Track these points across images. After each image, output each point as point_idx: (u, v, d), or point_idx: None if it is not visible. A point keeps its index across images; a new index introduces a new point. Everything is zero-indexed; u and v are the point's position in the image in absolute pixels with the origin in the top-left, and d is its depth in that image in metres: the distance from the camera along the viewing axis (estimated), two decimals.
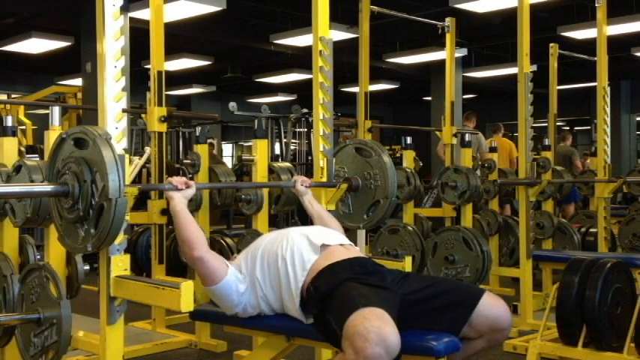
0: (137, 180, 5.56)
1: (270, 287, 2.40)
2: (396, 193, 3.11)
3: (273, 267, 2.41)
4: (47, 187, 2.22)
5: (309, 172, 9.99)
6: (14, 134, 2.90)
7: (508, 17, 7.58)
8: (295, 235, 2.49)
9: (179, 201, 2.46)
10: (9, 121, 2.89)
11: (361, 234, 4.50)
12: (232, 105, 9.76)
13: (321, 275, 2.33)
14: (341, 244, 2.51)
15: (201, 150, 4.08)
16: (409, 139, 4.90)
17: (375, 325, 1.98)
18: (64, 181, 2.15)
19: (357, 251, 2.55)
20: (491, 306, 2.29)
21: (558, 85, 6.29)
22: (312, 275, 2.34)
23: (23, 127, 9.32)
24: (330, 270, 2.34)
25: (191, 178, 4.26)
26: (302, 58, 10.52)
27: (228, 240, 4.00)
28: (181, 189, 2.48)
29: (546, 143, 5.86)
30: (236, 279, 2.41)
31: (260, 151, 3.78)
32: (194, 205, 4.00)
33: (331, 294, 2.24)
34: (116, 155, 2.07)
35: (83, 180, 2.11)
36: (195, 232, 2.41)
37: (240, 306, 2.42)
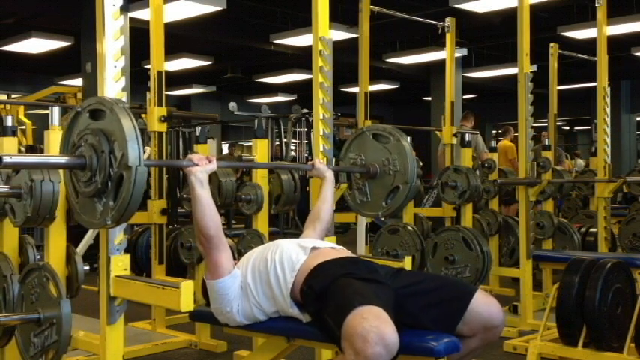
0: None
1: (263, 293, 2.39)
2: (416, 178, 3.01)
3: (263, 272, 2.40)
4: (63, 159, 2.15)
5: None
6: (14, 134, 2.89)
7: (508, 17, 7.57)
8: (285, 242, 2.51)
9: (199, 176, 2.33)
10: (9, 121, 2.89)
11: (361, 234, 4.50)
12: (232, 105, 9.76)
13: (313, 274, 2.33)
14: (331, 247, 2.53)
15: (202, 150, 4.07)
16: (409, 139, 4.90)
17: (373, 325, 1.98)
18: (81, 154, 2.09)
19: (348, 252, 2.56)
20: (483, 304, 2.29)
21: (558, 85, 6.29)
22: (304, 275, 2.33)
23: (23, 127, 9.31)
24: (322, 268, 2.34)
25: None
26: (302, 58, 10.53)
27: (228, 240, 4.00)
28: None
29: (546, 143, 5.86)
30: (236, 281, 2.40)
31: (260, 151, 3.78)
32: None
33: (326, 292, 2.23)
34: (134, 123, 2.01)
35: (101, 151, 2.04)
36: (212, 223, 2.32)
37: (232, 311, 2.40)
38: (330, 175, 2.91)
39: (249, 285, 2.40)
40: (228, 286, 2.38)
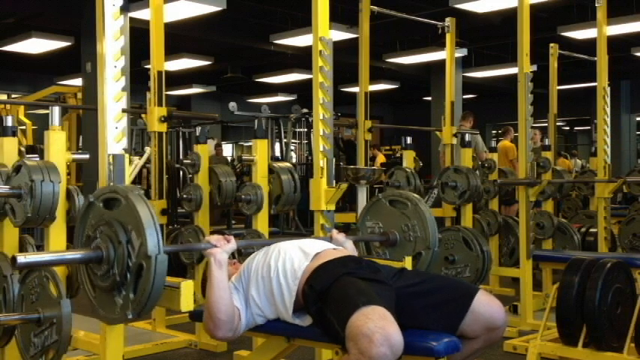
0: (137, 180, 5.52)
1: (266, 299, 2.40)
2: (438, 243, 2.92)
3: (266, 278, 2.40)
4: (78, 254, 2.08)
5: (309, 172, 9.99)
6: (14, 134, 2.89)
7: (508, 17, 7.58)
8: (288, 246, 2.49)
9: (218, 258, 2.32)
10: (9, 121, 2.88)
11: None
12: (232, 105, 9.79)
13: (315, 274, 2.33)
14: (334, 249, 2.52)
15: (202, 150, 4.08)
16: (409, 139, 4.91)
17: (378, 325, 1.99)
18: (97, 246, 2.02)
19: (348, 252, 2.56)
20: (485, 304, 2.29)
21: (558, 85, 6.29)
22: (306, 277, 2.34)
23: (23, 127, 9.32)
24: (324, 268, 2.34)
25: (191, 179, 4.27)
26: (302, 58, 10.53)
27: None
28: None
29: (546, 143, 5.86)
30: (243, 323, 2.40)
31: (260, 151, 3.78)
32: (194, 205, 4.01)
33: (328, 291, 2.24)
34: (152, 210, 1.95)
35: (118, 241, 1.97)
36: (224, 307, 2.30)
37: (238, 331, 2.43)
38: (349, 245, 2.81)
39: (253, 296, 2.40)
40: (237, 335, 2.41)
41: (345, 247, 2.78)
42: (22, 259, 1.95)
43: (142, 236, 1.91)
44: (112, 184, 2.17)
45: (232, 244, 2.38)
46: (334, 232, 2.89)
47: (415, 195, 3.01)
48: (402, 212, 2.97)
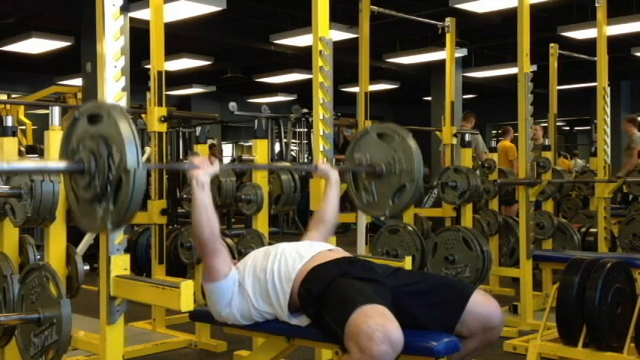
0: None
1: (262, 299, 2.39)
2: (422, 177, 2.95)
3: (262, 280, 2.39)
4: (61, 164, 2.14)
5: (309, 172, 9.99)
6: (14, 134, 2.89)
7: (508, 17, 7.58)
8: (287, 249, 2.48)
9: (201, 179, 2.30)
10: (9, 121, 2.89)
11: (361, 234, 4.50)
12: (232, 105, 9.76)
13: (309, 276, 2.32)
14: (329, 250, 2.51)
15: (202, 150, 4.08)
16: None
17: (378, 323, 1.99)
18: (80, 158, 2.08)
19: (345, 253, 2.55)
20: (482, 304, 2.28)
21: (558, 85, 6.29)
22: (300, 279, 2.33)
23: (23, 127, 9.32)
24: (319, 270, 2.34)
25: None
26: (302, 58, 10.53)
27: (228, 240, 4.01)
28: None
29: (546, 143, 5.86)
30: (233, 284, 2.39)
31: (260, 151, 3.78)
32: None
33: (324, 293, 2.23)
34: (132, 126, 1.98)
35: (99, 155, 2.02)
36: (207, 228, 2.30)
37: (231, 311, 2.40)
38: (334, 176, 2.86)
39: (249, 293, 2.40)
40: (224, 289, 2.38)
41: (330, 176, 2.85)
42: (4, 165, 1.99)
43: (122, 151, 1.95)
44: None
45: (215, 167, 2.38)
46: (319, 162, 2.92)
47: (403, 129, 3.02)
48: (389, 145, 2.99)
